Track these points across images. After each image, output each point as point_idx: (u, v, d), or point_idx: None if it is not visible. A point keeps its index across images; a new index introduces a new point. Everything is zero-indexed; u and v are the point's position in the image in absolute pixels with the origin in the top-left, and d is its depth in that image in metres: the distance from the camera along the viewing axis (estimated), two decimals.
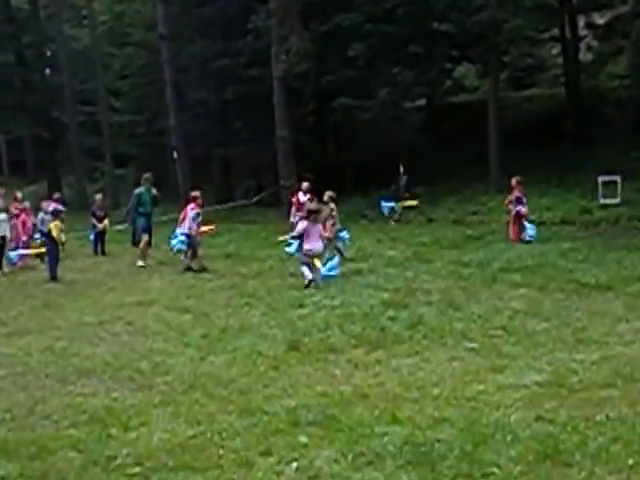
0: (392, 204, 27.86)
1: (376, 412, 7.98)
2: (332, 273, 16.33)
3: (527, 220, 21.68)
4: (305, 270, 16.12)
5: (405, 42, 30.76)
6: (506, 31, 27.76)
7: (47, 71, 46.13)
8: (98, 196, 24.20)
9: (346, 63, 30.36)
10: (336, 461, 6.75)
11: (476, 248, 20.30)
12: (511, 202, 21.60)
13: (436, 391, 8.64)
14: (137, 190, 21.50)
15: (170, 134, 37.19)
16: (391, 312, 12.93)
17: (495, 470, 6.33)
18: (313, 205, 18.18)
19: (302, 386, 9.22)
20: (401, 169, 28.24)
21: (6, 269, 21.22)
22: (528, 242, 20.68)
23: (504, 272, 16.51)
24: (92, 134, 43.58)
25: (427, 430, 7.33)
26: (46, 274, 19.31)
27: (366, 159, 33.92)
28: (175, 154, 36.06)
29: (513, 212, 21.40)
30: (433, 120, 37.29)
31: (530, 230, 21.33)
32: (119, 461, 7.01)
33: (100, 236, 24.62)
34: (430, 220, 27.11)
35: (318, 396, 8.73)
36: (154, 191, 21.37)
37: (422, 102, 37.48)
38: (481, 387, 8.72)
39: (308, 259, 16.19)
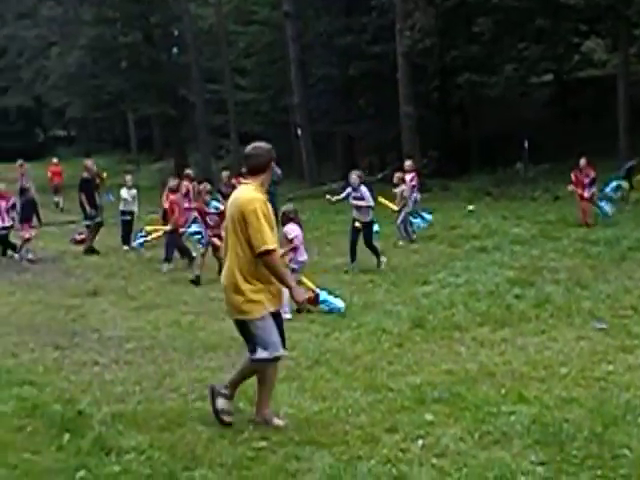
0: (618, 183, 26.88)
1: (502, 391, 7.95)
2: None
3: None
4: None
5: (531, 17, 30.21)
6: (637, 3, 27.05)
7: (174, 50, 47.19)
8: (225, 173, 24.65)
9: (470, 39, 30.16)
10: (462, 439, 6.73)
11: (604, 226, 19.83)
12: (583, 184, 20.69)
13: (564, 370, 8.56)
14: None
15: (294, 111, 37.61)
16: (517, 290, 12.85)
17: (626, 452, 6.22)
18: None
19: (427, 363, 9.22)
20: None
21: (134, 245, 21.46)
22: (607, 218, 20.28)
23: (634, 251, 16.21)
24: (217, 112, 44.31)
25: (555, 410, 7.27)
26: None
27: (491, 135, 33.62)
28: (299, 131, 36.34)
29: (588, 194, 20.59)
30: (560, 96, 36.69)
31: (606, 207, 20.78)
32: (246, 435, 7.12)
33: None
34: (556, 198, 26.67)
35: (443, 374, 8.72)
36: (276, 169, 21.54)
37: (549, 77, 36.92)
38: (610, 367, 8.60)
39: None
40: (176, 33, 46.68)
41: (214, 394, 7.38)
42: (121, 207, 21.79)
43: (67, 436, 7.15)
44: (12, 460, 6.69)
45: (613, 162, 28.13)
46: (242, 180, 7.38)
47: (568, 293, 12.57)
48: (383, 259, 16.53)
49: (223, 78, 43.11)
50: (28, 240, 19.87)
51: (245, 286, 7.00)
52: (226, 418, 7.29)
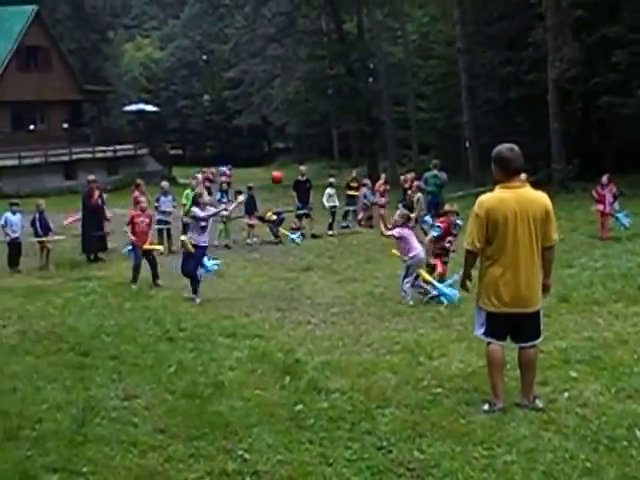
0: None
1: (635, 355, 7.80)
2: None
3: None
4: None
5: None
6: None
7: (370, 80, 48.46)
8: (409, 175, 25.46)
9: (610, 67, 30.02)
10: (601, 393, 6.67)
11: None
12: (603, 200, 18.60)
13: None
14: (426, 174, 22.01)
15: (463, 127, 38.12)
16: None
17: None
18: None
19: (571, 331, 9.14)
20: None
21: (335, 232, 21.99)
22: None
23: None
24: (402, 128, 45.08)
25: None
26: None
27: (626, 146, 33.25)
28: (467, 143, 36.82)
29: (609, 210, 18.51)
30: None
31: (624, 218, 18.62)
32: (425, 382, 7.19)
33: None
34: None
35: (584, 340, 8.62)
36: (442, 174, 21.74)
37: None
38: None
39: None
40: (371, 66, 47.84)
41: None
42: (325, 201, 22.53)
43: (287, 378, 7.41)
44: (247, 395, 7.00)
45: None
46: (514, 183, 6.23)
47: None
48: None
49: (407, 101, 43.85)
50: (252, 227, 20.61)
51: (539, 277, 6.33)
52: None
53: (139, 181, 19.80)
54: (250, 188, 21.37)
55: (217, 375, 7.70)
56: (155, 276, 14.19)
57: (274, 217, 20.96)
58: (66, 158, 41.19)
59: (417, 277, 12.03)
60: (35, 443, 5.94)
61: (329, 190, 22.86)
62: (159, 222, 19.02)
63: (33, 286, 13.97)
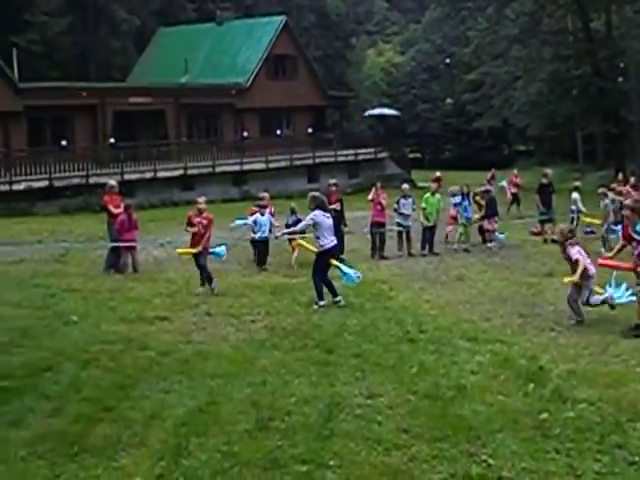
0: None
1: None
2: None
3: None
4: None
5: None
6: None
7: (619, 79, 46.19)
8: None
9: None
10: None
11: None
12: None
13: None
14: None
15: None
16: None
17: None
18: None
19: None
20: None
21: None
22: None
23: None
24: None
25: None
26: None
27: None
28: None
29: None
30: None
31: None
32: None
33: None
34: None
35: None
36: None
37: None
38: None
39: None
40: (621, 65, 45.56)
41: None
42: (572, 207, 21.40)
43: (531, 385, 7.33)
44: (489, 399, 7.01)
45: None
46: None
47: None
48: None
49: None
50: (490, 231, 19.98)
51: None
52: None
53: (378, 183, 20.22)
54: (488, 192, 21.15)
55: (459, 378, 7.72)
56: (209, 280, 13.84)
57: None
58: (309, 162, 42.85)
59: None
60: (285, 434, 6.27)
61: (575, 195, 21.79)
62: (398, 225, 19.28)
63: (280, 284, 14.61)
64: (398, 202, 19.63)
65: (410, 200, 19.71)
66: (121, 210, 16.36)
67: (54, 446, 6.10)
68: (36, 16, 48.29)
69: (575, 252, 10.81)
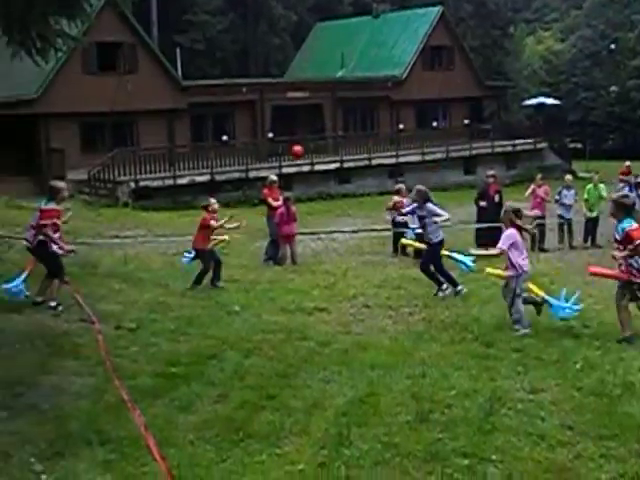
0: None
1: None
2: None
3: None
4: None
5: None
6: None
7: None
8: None
9: None
10: None
11: None
12: None
13: None
14: None
15: None
16: None
17: None
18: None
19: None
20: None
21: None
22: None
23: None
24: None
25: None
26: None
27: None
28: None
29: None
30: None
31: None
32: None
33: None
34: None
35: None
36: None
37: None
38: None
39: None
40: None
41: None
42: None
43: None
44: None
45: None
46: None
47: None
48: None
49: None
50: None
51: None
52: None
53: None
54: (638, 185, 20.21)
55: (626, 375, 7.47)
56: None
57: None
58: (466, 153, 42.26)
59: None
60: (445, 427, 6.25)
61: None
62: (560, 217, 18.86)
63: None
64: (560, 193, 19.21)
65: (572, 192, 19.24)
66: (280, 203, 16.76)
67: (220, 431, 6.31)
68: (198, 16, 50.24)
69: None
